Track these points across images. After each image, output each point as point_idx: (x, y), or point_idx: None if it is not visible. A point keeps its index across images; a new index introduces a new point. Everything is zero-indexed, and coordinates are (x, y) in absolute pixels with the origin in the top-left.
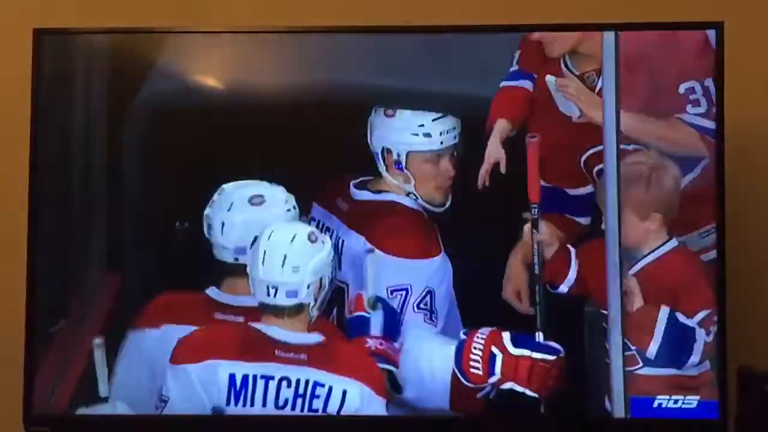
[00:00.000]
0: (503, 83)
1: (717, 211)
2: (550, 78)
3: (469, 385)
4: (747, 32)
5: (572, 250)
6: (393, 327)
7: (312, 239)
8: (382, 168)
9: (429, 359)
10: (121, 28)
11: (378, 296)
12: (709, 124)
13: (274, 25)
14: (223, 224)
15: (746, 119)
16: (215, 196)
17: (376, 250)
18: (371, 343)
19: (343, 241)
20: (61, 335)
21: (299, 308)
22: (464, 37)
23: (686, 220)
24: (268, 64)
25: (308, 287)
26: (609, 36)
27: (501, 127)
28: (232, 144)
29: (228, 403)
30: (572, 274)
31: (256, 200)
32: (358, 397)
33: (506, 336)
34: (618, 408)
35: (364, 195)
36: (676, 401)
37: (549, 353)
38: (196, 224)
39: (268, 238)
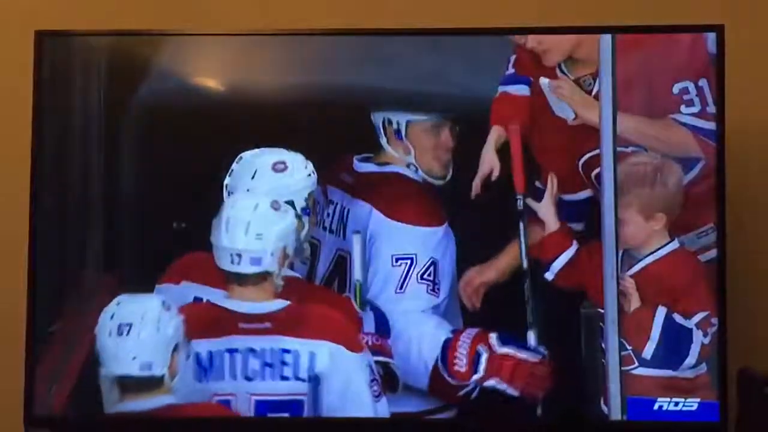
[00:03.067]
0: (501, 88)
1: (718, 213)
2: (544, 80)
3: (451, 381)
4: (745, 34)
5: (575, 243)
6: (383, 325)
7: (275, 207)
8: (383, 140)
9: (419, 336)
10: (120, 30)
11: (365, 298)
12: (703, 124)
13: (271, 28)
14: (248, 191)
15: (744, 121)
16: (234, 165)
17: (380, 215)
18: (367, 338)
19: (348, 210)
20: (58, 335)
21: (263, 276)
22: (461, 39)
23: (684, 220)
24: (264, 65)
25: (272, 255)
26: (606, 39)
27: (496, 134)
28: (228, 144)
29: (199, 381)
30: (560, 262)
31: (279, 166)
32: (327, 357)
33: (493, 336)
34: (615, 409)
35: (368, 167)
36: (677, 404)
37: (534, 354)
38: (195, 224)
39: (232, 207)
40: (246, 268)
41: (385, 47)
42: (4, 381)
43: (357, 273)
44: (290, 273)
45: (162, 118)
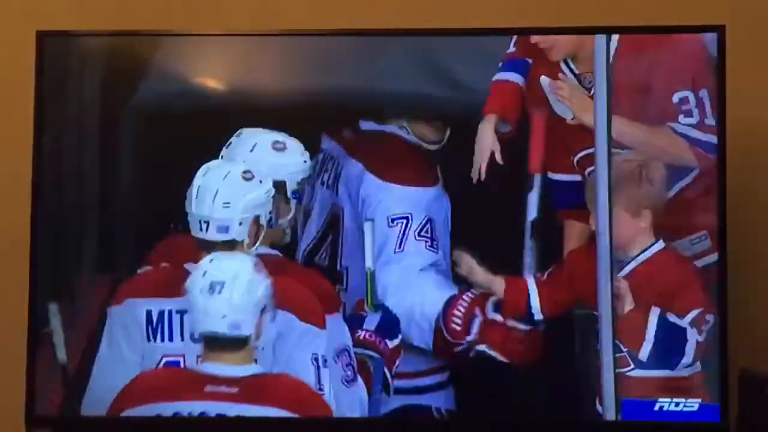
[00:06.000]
0: (495, 76)
1: (718, 213)
2: (544, 79)
3: (449, 338)
4: (746, 36)
5: (530, 279)
6: (390, 328)
7: (247, 177)
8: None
9: (421, 295)
10: (121, 30)
11: (382, 303)
12: (700, 136)
13: (270, 28)
14: (243, 163)
15: (744, 123)
16: (232, 139)
17: (372, 177)
18: (361, 333)
19: (342, 167)
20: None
21: (231, 245)
22: (459, 39)
23: (678, 226)
24: (262, 66)
25: (240, 224)
26: (601, 40)
27: (491, 120)
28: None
29: (148, 339)
30: (535, 302)
31: (278, 145)
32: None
33: (491, 301)
34: (609, 410)
35: (369, 125)
36: (677, 404)
37: (524, 323)
38: None
39: (204, 174)
40: (213, 235)
41: (385, 47)
42: (4, 381)
43: (369, 261)
44: (271, 252)
45: (162, 117)
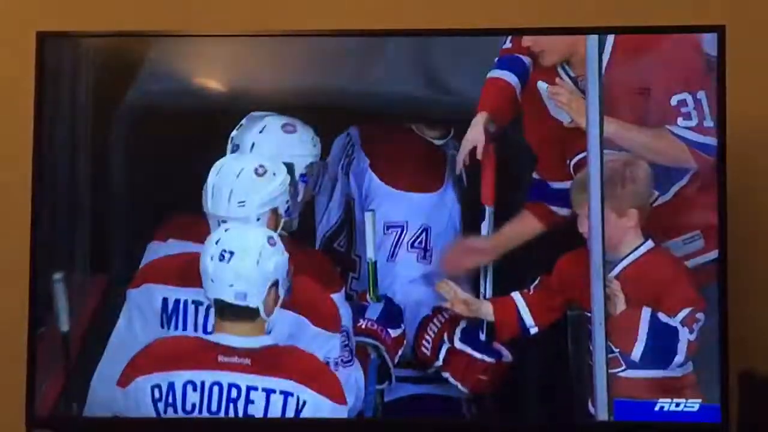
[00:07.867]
0: (491, 72)
1: (719, 213)
2: (542, 84)
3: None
4: (746, 36)
5: (516, 296)
6: (393, 318)
7: (259, 173)
8: None
9: (407, 298)
10: (122, 31)
11: (385, 294)
12: (699, 138)
13: (268, 29)
14: (253, 144)
15: (743, 123)
16: (243, 121)
17: (375, 177)
18: (362, 323)
19: (354, 157)
20: (46, 336)
21: None
22: (455, 39)
23: (670, 226)
24: (261, 66)
25: (258, 220)
26: (593, 39)
27: (480, 117)
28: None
29: (162, 326)
30: (527, 317)
31: (288, 128)
32: (289, 325)
33: (460, 327)
34: (601, 411)
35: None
36: (678, 404)
37: (488, 355)
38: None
39: (217, 173)
40: None
41: (385, 48)
42: (4, 381)
43: (370, 252)
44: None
45: (161, 117)
